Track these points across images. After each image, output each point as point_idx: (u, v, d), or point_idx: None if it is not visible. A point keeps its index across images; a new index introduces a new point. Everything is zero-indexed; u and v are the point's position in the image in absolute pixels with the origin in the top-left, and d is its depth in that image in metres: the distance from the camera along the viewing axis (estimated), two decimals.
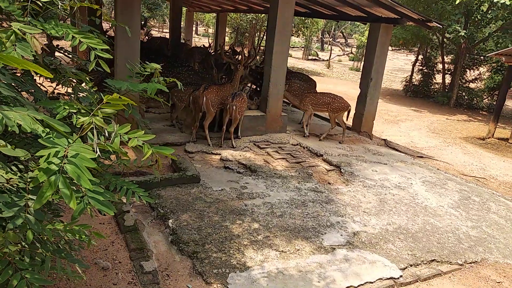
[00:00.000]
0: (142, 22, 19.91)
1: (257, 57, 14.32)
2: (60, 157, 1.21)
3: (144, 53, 10.16)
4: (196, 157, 6.78)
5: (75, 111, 1.80)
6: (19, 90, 2.46)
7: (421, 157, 8.89)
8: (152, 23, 36.99)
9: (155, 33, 30.25)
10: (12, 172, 1.44)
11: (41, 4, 1.70)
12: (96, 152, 1.34)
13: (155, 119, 8.69)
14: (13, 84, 1.88)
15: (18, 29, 1.28)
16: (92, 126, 1.41)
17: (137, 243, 4.13)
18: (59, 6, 1.76)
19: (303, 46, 34.92)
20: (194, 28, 40.35)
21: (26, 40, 1.64)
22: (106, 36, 11.55)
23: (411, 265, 4.38)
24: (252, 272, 3.85)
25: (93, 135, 1.41)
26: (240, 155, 6.92)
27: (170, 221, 4.61)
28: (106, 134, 1.53)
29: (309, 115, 8.51)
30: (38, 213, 1.31)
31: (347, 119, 8.79)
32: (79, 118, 1.49)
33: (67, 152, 1.23)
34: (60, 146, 1.26)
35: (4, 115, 1.21)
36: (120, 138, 1.60)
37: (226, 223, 4.66)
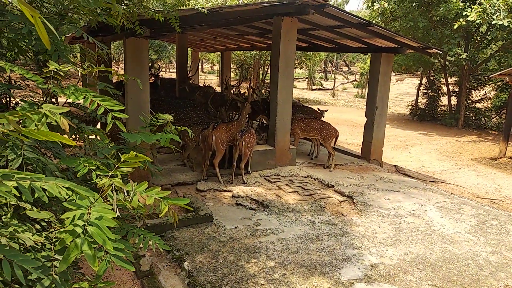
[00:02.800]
0: (149, 64, 20.55)
1: (263, 90, 14.62)
2: (83, 219, 1.29)
3: (153, 96, 10.48)
4: (208, 195, 6.83)
5: (94, 167, 1.90)
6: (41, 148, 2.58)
7: (434, 181, 8.83)
8: (159, 64, 38.11)
9: (162, 73, 31.12)
10: (38, 233, 1.51)
11: (62, 74, 1.84)
12: (116, 212, 1.42)
13: (166, 159, 8.83)
14: (36, 145, 1.99)
15: (49, 110, 1.40)
16: (111, 188, 1.50)
17: None
18: (79, 73, 1.89)
19: (307, 76, 35.52)
20: (200, 66, 41.46)
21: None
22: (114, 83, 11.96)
23: None
24: None
25: (113, 195, 1.49)
26: (252, 191, 6.95)
27: (186, 263, 4.61)
28: (125, 194, 1.61)
29: (298, 140, 8.84)
30: (64, 272, 1.37)
31: (334, 145, 8.88)
32: (100, 179, 1.58)
33: (90, 214, 1.31)
34: (83, 208, 1.34)
35: (35, 186, 1.30)
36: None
37: (241, 263, 4.65)
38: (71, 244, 1.23)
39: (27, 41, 2.12)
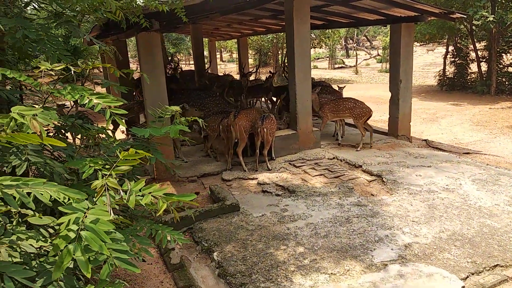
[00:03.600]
0: (169, 58, 20.62)
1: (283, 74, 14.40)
2: (78, 223, 1.22)
3: (171, 89, 10.48)
4: (233, 184, 6.79)
5: (100, 167, 1.84)
6: (52, 151, 2.55)
7: (468, 153, 8.44)
8: (177, 57, 38.31)
9: (182, 66, 31.28)
10: (43, 239, 1.47)
11: (54, 74, 1.78)
12: (111, 214, 1.35)
13: (191, 151, 8.85)
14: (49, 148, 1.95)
15: (17, 113, 1.33)
16: (104, 188, 1.42)
17: (185, 280, 4.13)
18: (72, 72, 1.83)
19: (328, 55, 34.79)
20: (218, 55, 41.36)
21: (48, 109, 1.71)
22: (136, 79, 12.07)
23: (472, 274, 4.07)
24: None
25: (112, 195, 1.42)
26: (277, 177, 6.85)
27: (215, 254, 4.59)
28: (122, 194, 1.54)
29: (325, 122, 8.53)
30: (69, 278, 1.32)
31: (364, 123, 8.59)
32: (94, 181, 1.51)
33: (85, 218, 1.25)
34: (80, 212, 1.27)
35: (36, 192, 1.25)
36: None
37: (270, 250, 4.58)
38: (64, 250, 1.17)
39: (23, 45, 2.07)
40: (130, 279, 4.17)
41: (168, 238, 2.42)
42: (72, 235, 1.20)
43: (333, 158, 7.74)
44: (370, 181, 6.60)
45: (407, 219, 5.22)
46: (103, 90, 17.55)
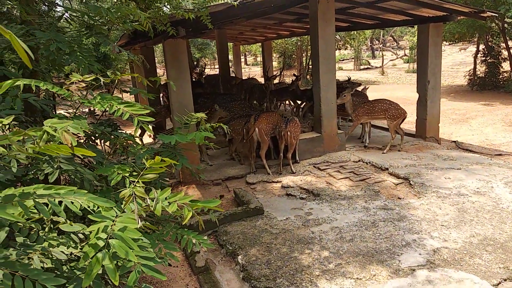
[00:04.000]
0: (195, 63, 20.95)
1: (308, 76, 14.35)
2: (107, 231, 1.28)
3: (197, 93, 10.65)
4: (257, 187, 6.82)
5: (127, 174, 1.91)
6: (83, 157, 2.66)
7: (500, 155, 8.15)
8: (204, 61, 38.79)
9: (208, 70, 31.67)
10: (73, 246, 1.55)
11: (84, 85, 1.87)
12: (138, 222, 1.40)
13: (216, 154, 8.95)
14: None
15: (49, 126, 1.41)
16: (132, 197, 1.48)
17: (210, 283, 4.18)
18: (102, 82, 1.91)
19: (353, 57, 34.38)
20: (243, 59, 41.62)
21: (79, 118, 1.80)
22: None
23: (505, 280, 3.93)
24: None
25: (139, 203, 1.48)
26: (301, 180, 6.83)
27: (240, 257, 4.63)
28: (149, 202, 1.59)
29: (355, 126, 8.37)
30: (97, 284, 1.38)
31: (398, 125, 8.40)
32: (122, 190, 1.57)
33: (114, 226, 1.30)
34: (108, 220, 1.33)
35: (67, 202, 1.32)
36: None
37: (295, 254, 4.58)
38: (93, 259, 1.23)
39: (56, 57, 2.18)
40: (156, 281, 4.26)
41: (194, 241, 2.47)
42: (101, 243, 1.25)
43: (359, 160, 7.65)
44: (397, 184, 6.48)
45: (435, 223, 5.10)
46: (132, 97, 18.04)
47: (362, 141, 8.95)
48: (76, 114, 2.20)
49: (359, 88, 10.74)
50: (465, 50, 34.43)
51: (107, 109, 1.85)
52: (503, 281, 3.92)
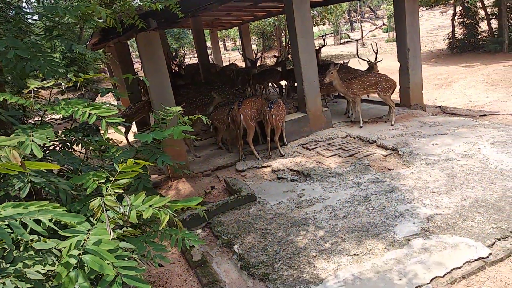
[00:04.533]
0: (173, 54, 20.57)
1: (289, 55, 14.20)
2: (80, 247, 1.21)
3: (178, 85, 10.47)
4: (248, 174, 6.77)
5: (104, 180, 1.83)
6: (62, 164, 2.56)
7: (484, 115, 8.21)
8: (182, 51, 38.18)
9: (188, 60, 31.19)
10: (50, 263, 1.47)
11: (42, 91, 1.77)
12: (110, 234, 1.33)
13: (203, 146, 8.86)
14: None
15: None
16: (101, 208, 1.40)
17: (208, 276, 4.16)
18: (63, 86, 1.81)
19: (332, 31, 34.15)
20: (222, 45, 41.07)
21: (44, 127, 1.70)
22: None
23: (499, 239, 3.98)
24: (327, 284, 3.71)
25: (112, 213, 1.40)
26: (291, 162, 6.80)
27: (236, 246, 4.60)
28: (121, 210, 1.52)
29: (358, 103, 8.12)
30: None
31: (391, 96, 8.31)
32: (92, 200, 1.49)
33: (87, 240, 1.23)
34: (81, 234, 1.26)
35: (29, 222, 1.24)
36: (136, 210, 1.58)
37: (290, 237, 4.56)
38: (65, 279, 1.16)
39: (16, 65, 2.06)
40: (154, 280, 4.23)
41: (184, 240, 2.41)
42: (73, 261, 1.18)
43: (346, 136, 7.63)
44: (386, 155, 6.49)
45: (426, 190, 5.12)
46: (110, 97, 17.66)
47: (348, 116, 8.91)
48: (44, 122, 2.09)
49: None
50: (446, 12, 34.32)
51: (72, 114, 1.75)
52: (497, 240, 3.97)
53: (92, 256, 1.21)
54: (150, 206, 1.57)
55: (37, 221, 1.46)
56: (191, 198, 1.75)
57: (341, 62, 10.00)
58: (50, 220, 1.32)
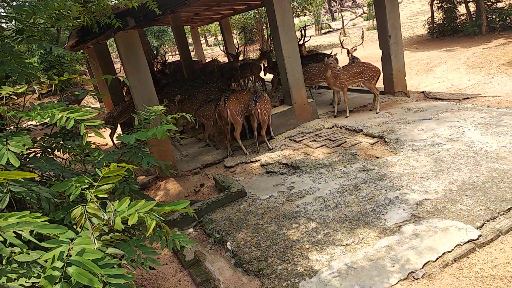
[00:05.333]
0: (155, 52, 20.28)
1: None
2: (63, 258, 1.15)
3: (159, 83, 10.31)
4: (237, 170, 6.73)
5: (87, 186, 1.76)
6: (42, 173, 2.47)
7: (467, 98, 8.31)
8: (164, 49, 37.71)
9: (170, 57, 30.80)
10: (35, 275, 1.41)
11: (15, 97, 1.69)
12: (95, 243, 1.28)
13: (190, 143, 8.78)
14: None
15: None
16: (84, 217, 1.35)
17: (202, 275, 4.12)
18: (36, 91, 1.73)
19: (313, 22, 34.13)
20: (203, 41, 40.68)
21: (20, 135, 1.62)
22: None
23: (487, 221, 4.03)
24: (321, 275, 3.70)
25: (96, 220, 1.34)
26: (279, 155, 6.78)
27: (228, 243, 4.57)
28: (106, 217, 1.46)
29: (346, 93, 8.07)
30: None
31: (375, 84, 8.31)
32: (74, 209, 1.43)
33: (71, 251, 1.18)
34: (65, 244, 1.20)
35: (7, 236, 1.18)
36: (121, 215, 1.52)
37: (282, 231, 4.55)
38: None
39: None
40: (147, 282, 4.17)
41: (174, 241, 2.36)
42: (57, 274, 1.13)
43: (333, 126, 7.64)
44: (373, 143, 6.51)
45: (414, 176, 5.16)
46: (96, 102, 17.35)
47: (334, 106, 8.91)
48: (20, 129, 2.01)
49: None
50: None
51: (47, 120, 1.68)
52: (486, 222, 4.01)
53: (77, 268, 1.16)
54: (136, 211, 1.52)
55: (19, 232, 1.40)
56: (178, 201, 1.70)
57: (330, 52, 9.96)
58: (31, 233, 1.26)
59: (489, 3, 15.67)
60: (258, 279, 3.90)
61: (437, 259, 3.65)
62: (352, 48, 9.02)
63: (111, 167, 1.51)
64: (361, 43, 9.03)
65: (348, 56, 9.13)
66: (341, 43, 9.36)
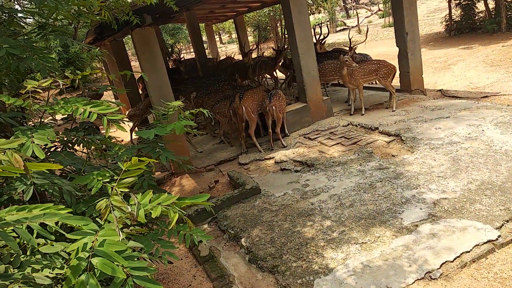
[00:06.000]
0: (169, 50, 20.38)
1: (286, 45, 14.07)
2: (88, 249, 1.17)
3: (176, 80, 10.38)
4: (251, 167, 6.74)
5: (108, 180, 1.79)
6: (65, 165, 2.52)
7: (486, 97, 8.15)
8: (178, 47, 37.91)
9: (185, 55, 30.98)
10: (59, 266, 1.44)
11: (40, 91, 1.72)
12: (120, 235, 1.29)
13: (205, 140, 8.82)
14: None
15: None
16: (109, 209, 1.37)
17: (217, 271, 4.14)
18: (61, 86, 1.76)
19: (328, 19, 33.88)
20: (218, 38, 40.76)
21: (44, 128, 1.65)
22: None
23: (507, 221, 3.95)
24: (337, 274, 3.69)
25: (119, 213, 1.36)
26: (293, 153, 6.76)
27: (243, 240, 4.58)
28: (129, 210, 1.48)
29: (361, 91, 7.99)
30: None
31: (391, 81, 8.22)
32: (98, 201, 1.45)
33: (95, 242, 1.19)
34: (89, 235, 1.22)
35: (35, 227, 1.20)
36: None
37: (297, 228, 4.54)
38: (76, 285, 1.12)
39: (10, 63, 2.00)
40: (162, 277, 4.21)
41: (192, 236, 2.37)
42: (83, 264, 1.15)
43: (348, 124, 7.58)
44: (389, 142, 6.44)
45: (432, 175, 5.09)
46: (110, 95, 17.59)
47: (349, 104, 8.84)
48: (43, 123, 2.05)
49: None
50: None
51: (72, 113, 1.71)
52: (505, 222, 3.94)
53: (102, 258, 1.18)
54: (158, 204, 1.53)
55: (43, 225, 1.43)
56: (198, 195, 1.71)
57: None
58: (56, 224, 1.28)
59: (509, 0, 15.31)
60: (272, 276, 3.90)
61: (455, 259, 3.60)
62: (353, 46, 8.95)
63: (132, 161, 1.53)
64: (364, 41, 8.96)
65: (349, 54, 9.00)
66: (350, 40, 9.27)
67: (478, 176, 4.83)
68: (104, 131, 2.09)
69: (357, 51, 9.89)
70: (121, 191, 1.49)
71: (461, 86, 9.75)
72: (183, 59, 17.60)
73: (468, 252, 3.65)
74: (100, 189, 1.98)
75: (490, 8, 15.82)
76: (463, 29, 16.86)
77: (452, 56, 13.42)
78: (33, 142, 1.58)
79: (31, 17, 2.88)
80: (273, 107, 6.89)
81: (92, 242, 1.21)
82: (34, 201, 2.03)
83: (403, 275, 3.50)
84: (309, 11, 22.32)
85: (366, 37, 8.96)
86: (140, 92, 12.17)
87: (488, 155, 5.28)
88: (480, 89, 9.10)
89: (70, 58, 17.39)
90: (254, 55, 14.05)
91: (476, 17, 16.80)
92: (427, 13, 27.34)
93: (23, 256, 1.45)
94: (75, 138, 2.36)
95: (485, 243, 3.71)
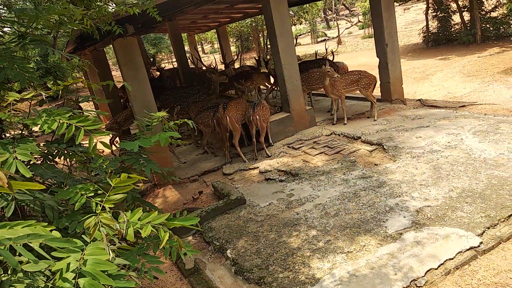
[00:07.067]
0: (151, 59, 20.26)
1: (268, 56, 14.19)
2: (75, 269, 1.12)
3: (158, 90, 10.30)
4: (235, 177, 6.70)
5: (92, 194, 1.74)
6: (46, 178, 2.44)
7: (464, 106, 8.36)
8: (160, 56, 37.72)
9: (166, 65, 30.83)
10: (42, 286, 1.38)
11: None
12: (109, 254, 1.25)
13: (188, 150, 8.75)
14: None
15: None
16: (97, 227, 1.32)
17: (203, 284, 4.07)
18: (43, 97, 1.71)
19: (309, 30, 34.37)
20: (200, 48, 40.79)
21: (26, 141, 1.60)
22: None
23: (488, 228, 4.03)
24: (323, 284, 3.67)
25: (108, 231, 1.32)
26: (278, 162, 6.77)
27: (228, 251, 4.53)
28: (118, 227, 1.44)
29: (344, 100, 8.09)
30: None
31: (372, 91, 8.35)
32: (87, 219, 1.40)
33: (81, 261, 1.15)
34: (75, 253, 1.18)
35: (19, 249, 1.15)
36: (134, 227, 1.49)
37: (283, 238, 4.52)
38: None
39: None
40: None
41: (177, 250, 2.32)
42: (68, 286, 1.10)
43: (331, 134, 7.65)
44: (371, 151, 6.52)
45: (414, 183, 5.16)
46: (90, 105, 17.31)
47: (332, 114, 8.94)
48: (23, 135, 1.98)
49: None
50: (409, 10, 34.94)
51: (56, 130, 1.64)
52: (486, 229, 4.01)
53: (89, 279, 1.13)
54: (148, 223, 1.49)
55: (26, 244, 1.37)
56: (188, 217, 1.67)
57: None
58: (39, 244, 1.23)
59: (483, 12, 15.87)
60: None
61: (439, 266, 3.64)
62: (326, 55, 9.19)
63: (122, 177, 1.49)
64: (336, 51, 9.22)
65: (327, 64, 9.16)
66: (326, 50, 9.45)
67: (459, 183, 4.93)
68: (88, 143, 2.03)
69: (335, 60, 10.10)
70: (109, 208, 1.45)
71: (440, 95, 9.99)
72: (165, 68, 17.50)
73: (452, 259, 3.70)
74: (84, 203, 1.92)
75: (465, 20, 16.35)
76: (440, 40, 17.35)
77: (430, 66, 13.76)
78: (16, 158, 1.53)
79: (10, 27, 2.81)
80: (257, 116, 6.90)
81: (78, 260, 1.17)
82: (14, 215, 1.96)
83: (389, 283, 3.51)
84: (291, 22, 22.56)
85: (337, 47, 9.19)
86: (123, 102, 12.04)
87: (467, 163, 5.39)
88: (457, 98, 9.34)
89: (49, 67, 17.08)
90: (236, 65, 14.11)
91: (452, 29, 17.34)
92: (405, 24, 28.05)
93: (4, 275, 1.39)
94: (56, 150, 2.29)
95: (467, 250, 3.77)
